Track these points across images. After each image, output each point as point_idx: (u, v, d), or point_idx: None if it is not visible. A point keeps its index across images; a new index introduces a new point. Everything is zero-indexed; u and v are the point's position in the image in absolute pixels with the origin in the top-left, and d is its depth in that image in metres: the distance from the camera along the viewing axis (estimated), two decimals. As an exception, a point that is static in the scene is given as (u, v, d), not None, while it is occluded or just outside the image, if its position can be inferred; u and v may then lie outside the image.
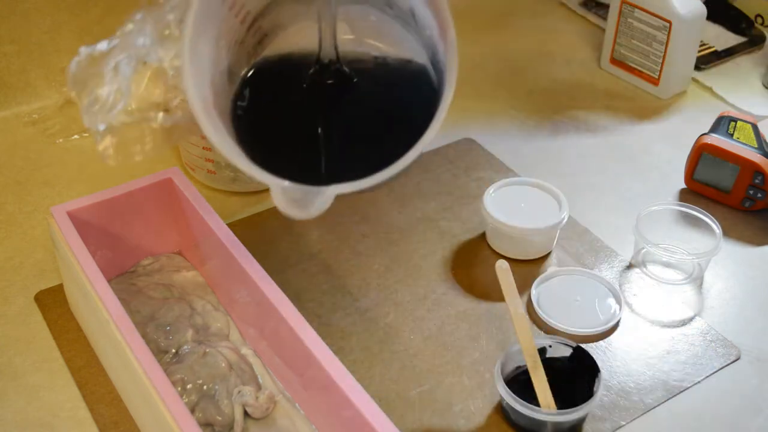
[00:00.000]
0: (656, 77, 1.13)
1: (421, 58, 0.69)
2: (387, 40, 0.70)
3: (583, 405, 0.69)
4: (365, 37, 0.70)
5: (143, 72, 0.69)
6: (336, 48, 0.67)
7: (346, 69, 0.68)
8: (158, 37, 0.66)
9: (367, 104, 0.69)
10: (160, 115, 0.69)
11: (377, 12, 0.69)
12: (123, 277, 0.82)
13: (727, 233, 0.91)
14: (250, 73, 0.69)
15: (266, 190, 0.97)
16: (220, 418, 0.69)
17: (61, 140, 1.02)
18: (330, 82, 0.68)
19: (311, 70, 0.68)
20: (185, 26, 0.59)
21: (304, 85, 0.68)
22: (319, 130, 0.68)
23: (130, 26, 0.67)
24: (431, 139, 0.63)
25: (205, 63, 0.62)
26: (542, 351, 0.73)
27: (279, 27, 0.69)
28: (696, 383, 0.77)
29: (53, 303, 0.82)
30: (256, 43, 0.68)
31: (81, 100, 0.67)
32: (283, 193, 0.60)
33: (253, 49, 0.68)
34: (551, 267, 0.87)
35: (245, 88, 0.68)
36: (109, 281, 0.70)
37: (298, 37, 0.69)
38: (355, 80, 0.69)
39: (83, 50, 0.67)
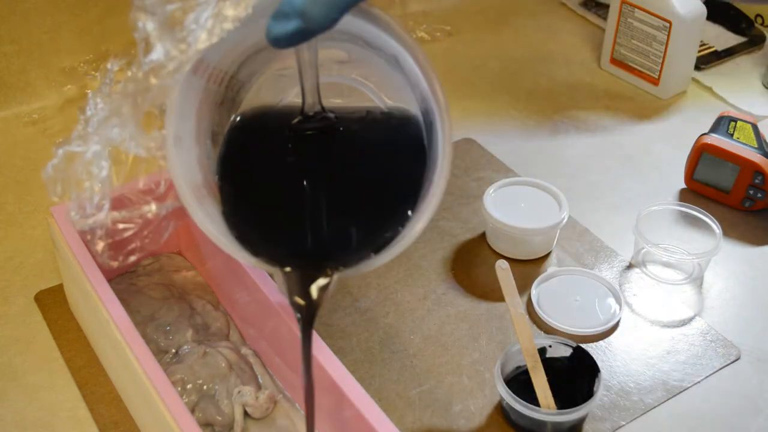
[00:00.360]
0: (656, 77, 1.13)
1: (410, 104, 0.62)
2: (374, 79, 0.65)
3: (583, 405, 0.69)
4: (351, 74, 0.65)
5: (125, 161, 0.64)
6: (318, 94, 0.62)
7: (330, 115, 0.63)
8: (137, 125, 0.61)
9: (355, 163, 0.64)
10: (153, 205, 0.65)
11: (360, 49, 0.62)
12: (123, 277, 0.82)
13: (727, 233, 0.91)
14: (230, 131, 0.64)
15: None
16: (220, 418, 0.69)
17: (61, 140, 1.02)
18: (313, 132, 0.63)
19: (294, 120, 0.63)
20: (167, 117, 0.57)
21: (288, 141, 0.63)
22: (307, 201, 0.63)
23: (99, 105, 0.63)
24: (428, 219, 0.58)
25: (189, 143, 0.59)
26: (542, 351, 0.73)
27: (256, 74, 0.64)
28: (696, 383, 0.77)
29: (53, 303, 0.82)
30: (234, 96, 0.64)
31: (65, 205, 0.65)
32: (284, 278, 0.59)
33: (232, 102, 0.64)
34: (551, 267, 0.87)
35: (227, 153, 0.63)
36: (109, 281, 0.70)
37: (278, 86, 0.64)
38: (341, 129, 0.63)
39: (58, 151, 0.62)
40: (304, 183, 0.63)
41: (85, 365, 0.76)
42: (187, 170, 0.59)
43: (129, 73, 0.57)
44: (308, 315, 0.59)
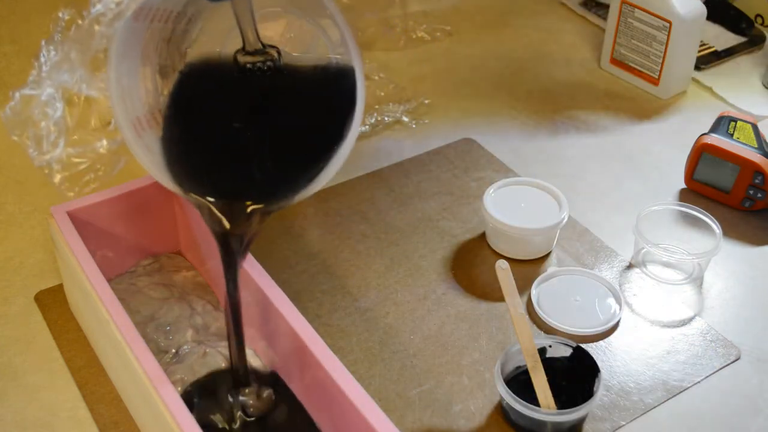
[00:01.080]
0: (656, 77, 1.13)
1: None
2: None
3: (583, 405, 0.69)
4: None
5: (76, 102, 0.74)
6: (257, 31, 0.67)
7: (272, 50, 0.68)
8: (86, 68, 0.70)
9: (287, 107, 0.69)
10: (104, 141, 0.74)
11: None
12: (123, 277, 0.82)
13: (727, 233, 0.91)
14: (180, 76, 0.70)
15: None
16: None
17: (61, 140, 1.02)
18: (254, 67, 0.68)
19: (238, 56, 0.68)
20: (109, 58, 0.63)
21: (232, 81, 0.69)
22: (237, 141, 0.69)
23: (52, 53, 0.70)
24: (351, 145, 0.65)
25: (132, 81, 0.65)
26: (542, 351, 0.73)
27: (205, 10, 0.69)
28: (696, 383, 0.77)
29: (53, 303, 0.82)
30: (183, 30, 0.69)
31: (23, 143, 0.71)
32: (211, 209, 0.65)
33: (182, 35, 0.69)
34: (551, 267, 0.87)
35: (176, 92, 0.69)
36: (109, 281, 0.70)
37: (223, 28, 0.70)
38: (282, 72, 0.69)
39: (15, 95, 0.70)
40: (238, 123, 0.69)
41: (85, 365, 0.76)
42: (128, 106, 0.65)
43: (79, 22, 0.67)
44: (225, 243, 0.65)
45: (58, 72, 0.69)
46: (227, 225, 0.65)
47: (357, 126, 0.64)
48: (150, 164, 0.66)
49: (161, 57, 0.68)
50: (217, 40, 0.70)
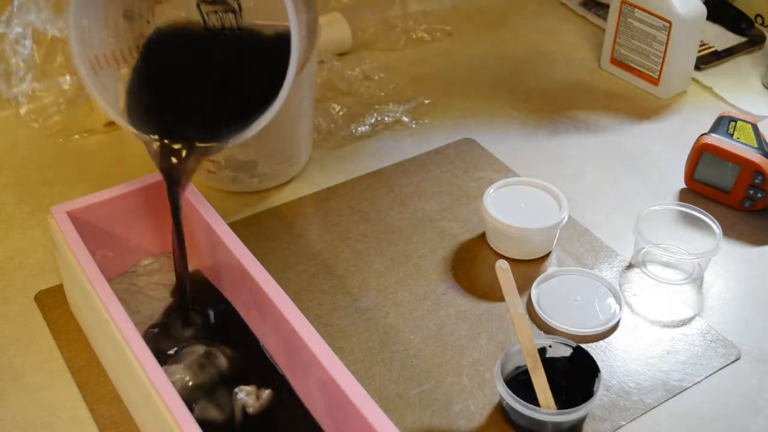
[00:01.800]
0: (656, 77, 1.13)
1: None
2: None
3: (583, 405, 0.69)
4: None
5: (44, 41, 0.82)
6: None
7: (232, 3, 0.75)
8: (50, 10, 0.78)
9: (240, 63, 0.77)
10: (67, 77, 0.83)
11: None
12: (123, 277, 0.82)
13: (727, 233, 0.91)
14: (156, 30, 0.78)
15: (266, 191, 0.98)
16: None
17: (61, 140, 1.02)
18: (216, 13, 0.75)
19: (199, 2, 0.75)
20: (68, 6, 0.68)
21: (196, 36, 0.77)
22: (189, 86, 0.77)
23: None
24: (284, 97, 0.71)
25: (93, 22, 0.71)
26: (542, 351, 0.73)
27: None
28: (696, 383, 0.77)
29: (53, 303, 0.82)
30: None
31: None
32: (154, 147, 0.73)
33: None
34: (551, 267, 0.87)
35: (144, 45, 0.77)
36: (109, 281, 0.70)
37: None
38: (242, 25, 0.76)
39: None
40: (193, 70, 0.77)
41: (85, 365, 0.76)
42: (87, 45, 0.71)
43: None
44: (170, 179, 0.73)
45: (26, 12, 0.77)
46: (170, 161, 0.73)
47: (287, 86, 0.70)
48: (103, 101, 0.72)
49: (127, 3, 0.74)
50: None
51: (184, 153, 0.73)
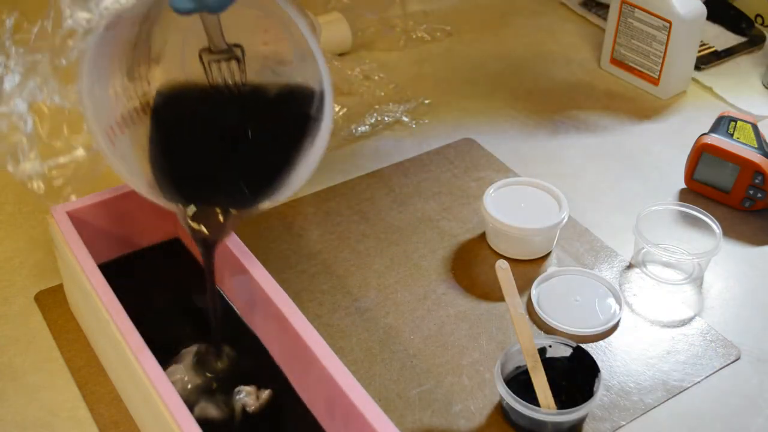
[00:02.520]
0: (656, 77, 1.13)
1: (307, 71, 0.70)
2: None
3: (583, 405, 0.69)
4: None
5: (47, 114, 0.77)
6: (222, 35, 0.69)
7: (236, 49, 0.70)
8: (58, 80, 0.73)
9: (259, 122, 0.73)
10: (80, 149, 0.77)
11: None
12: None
13: (727, 233, 0.91)
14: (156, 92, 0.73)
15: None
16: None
17: (60, 142, 1.02)
18: (219, 61, 0.71)
19: (204, 55, 0.70)
20: (81, 70, 0.64)
21: (207, 94, 0.72)
22: (213, 151, 0.74)
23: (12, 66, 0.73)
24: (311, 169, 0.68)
25: (103, 91, 0.68)
26: (542, 351, 0.73)
27: (166, 9, 0.71)
28: (696, 383, 0.77)
29: (53, 303, 0.82)
30: (147, 33, 0.71)
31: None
32: (188, 217, 0.70)
33: (146, 38, 0.71)
34: (551, 267, 0.87)
35: (153, 111, 0.73)
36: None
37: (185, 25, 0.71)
38: (245, 87, 0.72)
39: None
40: (213, 135, 0.73)
41: (85, 365, 0.76)
42: (101, 116, 0.67)
43: (34, 33, 0.70)
44: (206, 246, 0.70)
45: (25, 86, 0.71)
46: (206, 232, 0.70)
47: (322, 142, 0.67)
48: (129, 175, 0.68)
49: (128, 61, 0.70)
50: (179, 39, 0.72)
51: (221, 218, 0.70)
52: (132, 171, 0.69)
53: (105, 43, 0.65)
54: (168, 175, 0.71)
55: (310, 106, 0.69)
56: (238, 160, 0.73)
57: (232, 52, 0.70)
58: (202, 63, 0.70)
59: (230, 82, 0.71)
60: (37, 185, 0.75)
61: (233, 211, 0.70)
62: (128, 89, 0.71)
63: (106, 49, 0.66)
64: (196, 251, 0.83)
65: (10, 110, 0.72)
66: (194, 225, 0.69)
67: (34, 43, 0.71)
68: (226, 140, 0.73)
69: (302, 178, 0.68)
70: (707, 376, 0.77)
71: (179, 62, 0.72)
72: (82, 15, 0.65)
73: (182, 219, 0.70)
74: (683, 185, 0.99)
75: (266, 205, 0.70)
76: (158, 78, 0.73)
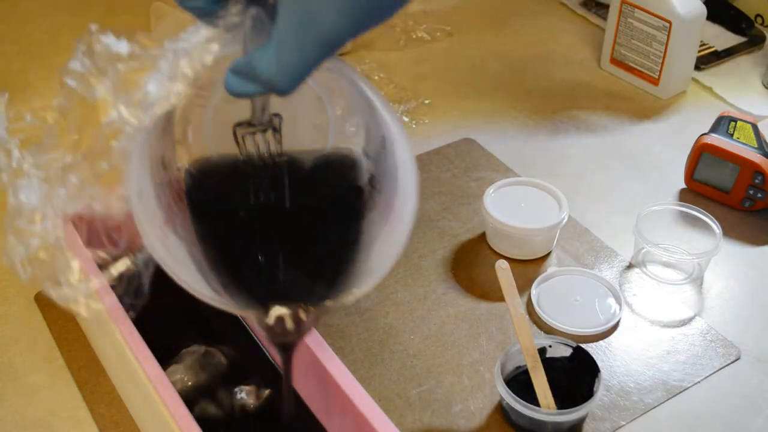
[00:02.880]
0: (656, 77, 1.13)
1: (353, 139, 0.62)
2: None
3: (583, 405, 0.69)
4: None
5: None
6: (269, 115, 0.60)
7: (276, 119, 0.60)
8: (98, 186, 0.58)
9: (307, 203, 0.62)
10: (126, 260, 0.62)
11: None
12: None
13: (727, 233, 0.91)
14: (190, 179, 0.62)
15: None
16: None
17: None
18: (258, 133, 0.60)
19: (236, 126, 0.60)
20: (128, 176, 0.55)
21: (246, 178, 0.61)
22: (266, 244, 0.62)
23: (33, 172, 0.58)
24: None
25: (146, 192, 0.58)
26: (542, 351, 0.73)
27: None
28: (696, 383, 0.77)
29: (53, 303, 0.82)
30: (170, 114, 0.60)
31: (41, 282, 0.62)
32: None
33: (169, 117, 0.61)
34: (551, 267, 0.87)
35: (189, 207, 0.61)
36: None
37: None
38: (289, 162, 0.61)
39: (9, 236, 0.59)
40: (261, 225, 0.62)
41: (85, 365, 0.76)
42: (151, 220, 0.58)
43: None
44: (285, 349, 0.60)
45: (54, 195, 0.57)
46: (289, 336, 0.59)
47: (404, 214, 0.59)
48: (196, 285, 0.58)
49: (161, 150, 0.61)
50: (203, 114, 0.62)
51: (302, 316, 0.59)
52: (195, 278, 0.58)
53: (146, 140, 0.56)
54: (230, 277, 0.60)
55: (355, 175, 0.60)
56: (289, 247, 0.62)
57: (271, 123, 0.60)
58: (236, 138, 0.60)
59: (265, 154, 0.61)
60: (86, 306, 0.64)
61: (311, 309, 0.59)
62: (163, 180, 0.61)
63: (146, 143, 0.56)
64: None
65: (37, 225, 0.59)
66: (276, 330, 0.59)
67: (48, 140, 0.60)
68: (275, 223, 0.63)
69: (386, 260, 0.59)
70: (707, 376, 0.77)
71: (205, 139, 0.62)
72: (125, 111, 0.51)
73: (260, 323, 0.59)
74: (683, 185, 0.99)
75: (350, 297, 0.59)
76: (184, 159, 0.62)
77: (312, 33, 0.47)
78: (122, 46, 0.52)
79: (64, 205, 0.58)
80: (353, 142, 0.61)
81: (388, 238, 0.59)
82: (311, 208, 0.62)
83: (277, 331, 0.58)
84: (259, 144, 0.60)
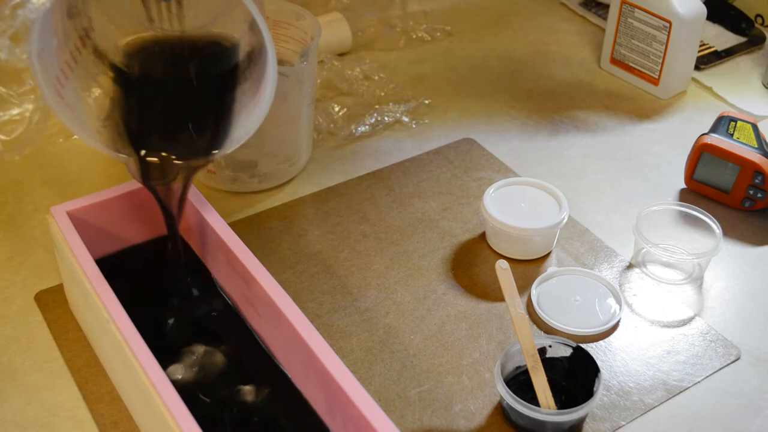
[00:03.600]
0: (656, 77, 1.13)
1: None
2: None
3: (583, 405, 0.69)
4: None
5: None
6: None
7: None
8: (7, 39, 0.80)
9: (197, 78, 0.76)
10: (29, 105, 0.83)
11: None
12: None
13: (727, 233, 0.91)
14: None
15: (266, 191, 0.97)
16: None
17: (61, 140, 1.02)
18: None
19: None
20: (32, 37, 0.66)
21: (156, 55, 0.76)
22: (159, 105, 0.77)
23: None
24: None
25: (48, 43, 0.68)
26: (542, 351, 0.73)
27: None
28: (696, 383, 0.77)
29: (53, 303, 0.82)
30: None
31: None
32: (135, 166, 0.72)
33: None
34: (551, 267, 0.87)
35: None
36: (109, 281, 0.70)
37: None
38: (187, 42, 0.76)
39: None
40: (159, 91, 0.76)
41: (85, 365, 0.76)
42: (48, 70, 0.68)
43: None
44: (157, 193, 0.73)
45: None
46: (152, 178, 0.72)
47: (265, 101, 0.70)
48: (75, 125, 0.71)
49: (70, 3, 0.71)
50: None
51: (169, 169, 0.73)
52: (81, 122, 0.71)
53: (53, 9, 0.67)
54: (117, 127, 0.74)
55: (234, 57, 0.73)
56: (182, 110, 0.76)
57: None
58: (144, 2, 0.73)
59: (169, 26, 0.74)
60: None
61: (176, 162, 0.73)
62: (69, 29, 0.72)
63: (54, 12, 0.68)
64: (198, 249, 0.83)
65: None
66: (146, 174, 0.72)
67: None
68: (172, 91, 0.76)
69: (245, 132, 0.71)
70: (707, 376, 0.77)
71: None
72: None
73: (132, 170, 0.72)
74: (683, 185, 0.99)
75: (214, 155, 0.73)
76: (95, 10, 0.74)
77: None
78: None
79: None
80: (237, 29, 0.74)
81: (251, 111, 0.71)
82: (200, 76, 0.76)
83: (147, 175, 0.72)
84: (163, 12, 0.73)
